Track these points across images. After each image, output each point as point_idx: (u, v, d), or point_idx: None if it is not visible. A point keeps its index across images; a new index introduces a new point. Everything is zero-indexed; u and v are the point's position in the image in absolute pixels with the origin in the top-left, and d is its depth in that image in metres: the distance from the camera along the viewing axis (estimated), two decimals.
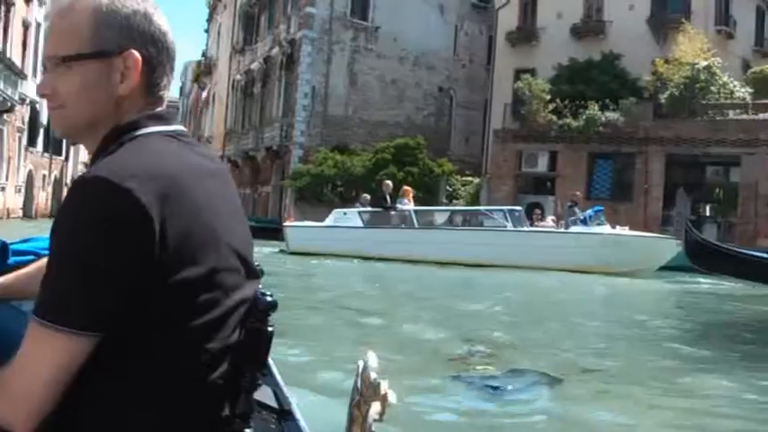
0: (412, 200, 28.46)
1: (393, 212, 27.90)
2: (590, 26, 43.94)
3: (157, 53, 1.74)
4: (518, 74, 43.14)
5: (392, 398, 1.57)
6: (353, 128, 49.44)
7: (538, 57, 44.73)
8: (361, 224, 27.99)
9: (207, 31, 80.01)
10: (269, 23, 55.66)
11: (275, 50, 52.55)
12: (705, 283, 22.78)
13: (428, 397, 6.93)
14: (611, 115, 36.84)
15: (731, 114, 34.91)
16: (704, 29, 38.42)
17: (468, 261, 24.79)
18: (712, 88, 35.20)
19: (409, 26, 50.63)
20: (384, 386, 1.57)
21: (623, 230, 26.31)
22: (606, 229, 26.04)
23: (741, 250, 23.07)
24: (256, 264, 1.84)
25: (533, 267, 23.77)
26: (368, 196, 30.07)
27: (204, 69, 75.22)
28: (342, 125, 49.03)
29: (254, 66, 56.60)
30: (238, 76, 60.70)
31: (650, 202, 35.84)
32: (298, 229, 29.77)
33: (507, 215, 26.80)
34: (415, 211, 28.07)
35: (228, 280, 1.68)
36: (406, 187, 29.38)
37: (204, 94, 75.77)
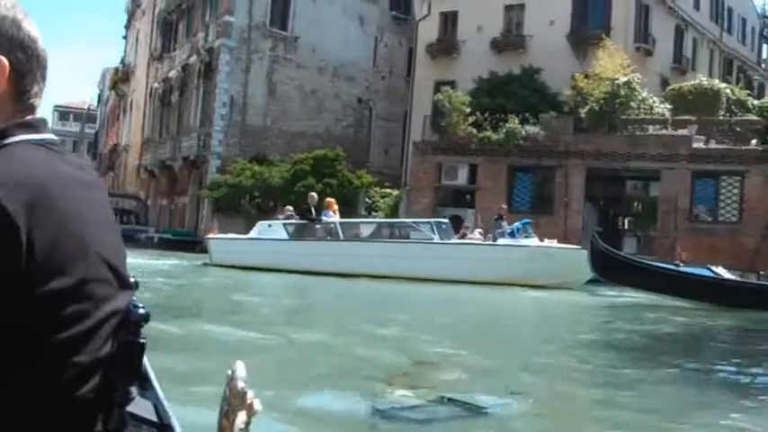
0: (337, 212, 28.21)
1: (318, 225, 27.63)
2: (510, 40, 44.46)
3: (27, 60, 1.70)
4: (438, 86, 43.31)
5: (258, 407, 1.61)
6: (272, 138, 49.22)
7: (458, 69, 45.05)
8: (285, 236, 27.68)
9: (125, 37, 79.01)
10: (187, 31, 55.14)
11: (193, 58, 52.05)
12: (628, 296, 22.75)
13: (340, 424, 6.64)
14: (532, 129, 37.08)
15: (651, 129, 35.55)
16: (624, 45, 39.12)
17: (395, 274, 24.61)
18: (632, 104, 35.76)
19: (329, 37, 50.69)
20: (250, 395, 1.60)
21: (551, 243, 26.45)
22: (534, 241, 26.15)
23: (648, 262, 23.19)
24: (131, 276, 1.81)
25: (460, 281, 23.72)
26: (291, 208, 29.80)
27: (122, 76, 74.28)
28: (260, 135, 48.78)
29: (172, 73, 55.96)
30: (156, 84, 59.88)
31: (570, 215, 36.15)
32: (221, 241, 29.41)
33: (434, 228, 26.76)
34: (341, 224, 27.91)
35: (99, 291, 1.64)
36: (329, 199, 29.11)
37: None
